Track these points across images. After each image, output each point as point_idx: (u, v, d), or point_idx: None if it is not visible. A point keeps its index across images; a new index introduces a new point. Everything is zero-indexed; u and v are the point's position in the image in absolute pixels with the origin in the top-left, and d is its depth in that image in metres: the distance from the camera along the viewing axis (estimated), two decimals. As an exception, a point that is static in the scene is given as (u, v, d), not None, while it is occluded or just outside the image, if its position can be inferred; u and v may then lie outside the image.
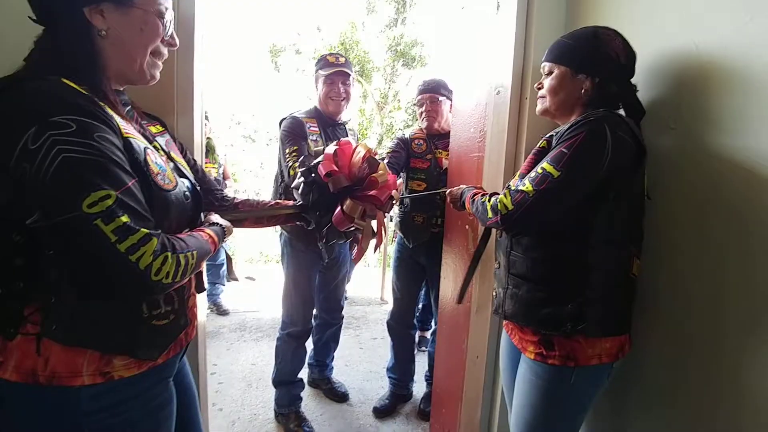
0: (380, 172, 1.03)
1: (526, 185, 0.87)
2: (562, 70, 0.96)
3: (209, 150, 3.11)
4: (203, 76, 1.19)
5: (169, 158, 0.78)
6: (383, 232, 1.12)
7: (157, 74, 0.73)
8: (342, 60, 1.76)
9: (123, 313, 0.64)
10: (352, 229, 1.05)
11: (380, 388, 2.33)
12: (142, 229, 0.55)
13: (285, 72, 11.45)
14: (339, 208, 1.03)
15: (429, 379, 2.14)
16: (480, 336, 1.44)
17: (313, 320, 2.05)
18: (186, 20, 1.04)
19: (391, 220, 2.84)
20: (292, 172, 1.54)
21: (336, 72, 1.71)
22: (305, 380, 2.26)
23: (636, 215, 0.93)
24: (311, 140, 1.68)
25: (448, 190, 1.27)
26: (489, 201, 0.97)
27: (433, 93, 1.85)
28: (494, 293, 1.11)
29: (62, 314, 0.59)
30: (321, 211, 1.05)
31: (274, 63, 11.38)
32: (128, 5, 0.65)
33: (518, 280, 0.99)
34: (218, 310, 3.33)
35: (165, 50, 0.73)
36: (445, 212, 1.76)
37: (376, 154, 1.11)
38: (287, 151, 1.61)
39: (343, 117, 1.89)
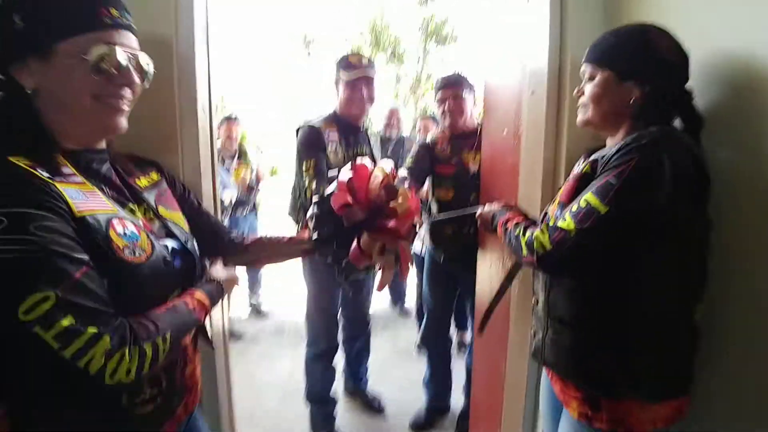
0: (400, 200, 0.91)
1: (567, 221, 0.72)
2: (605, 75, 0.78)
3: (242, 153, 3.13)
4: (212, 103, 1.11)
5: (156, 216, 0.72)
6: (408, 262, 1.01)
7: (119, 119, 0.64)
8: (365, 62, 1.63)
9: (98, 409, 0.59)
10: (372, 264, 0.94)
11: (417, 399, 2.25)
12: (90, 329, 0.49)
13: (317, 61, 11.39)
14: (355, 244, 0.92)
15: (467, 392, 2.03)
16: (519, 363, 1.31)
17: (342, 331, 2.01)
18: (184, 51, 0.96)
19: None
20: (309, 193, 1.46)
21: (359, 78, 1.59)
22: (341, 389, 2.25)
23: (699, 253, 0.76)
24: (330, 151, 1.58)
25: (478, 212, 1.13)
26: (524, 235, 0.82)
27: (455, 88, 1.68)
28: (532, 331, 0.97)
29: (33, 419, 0.55)
30: (337, 246, 0.96)
31: (307, 52, 11.38)
32: (51, 54, 0.57)
33: (559, 325, 0.84)
34: (257, 312, 3.41)
35: (122, 91, 0.64)
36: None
37: (395, 177, 0.99)
38: (304, 166, 1.52)
39: (366, 122, 1.78)
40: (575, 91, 0.88)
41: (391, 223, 0.89)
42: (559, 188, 0.93)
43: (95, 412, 0.59)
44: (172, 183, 0.87)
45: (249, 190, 3.04)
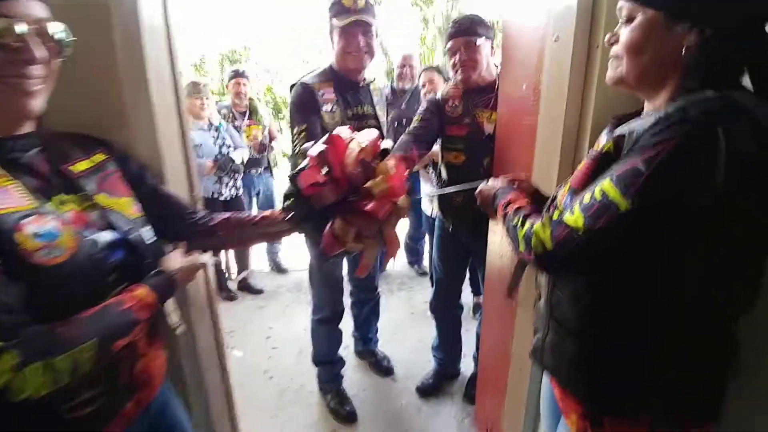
0: (378, 179, 0.78)
1: (576, 216, 0.57)
2: (649, 15, 0.58)
3: (252, 111, 3.00)
4: (176, 68, 0.97)
5: (92, 205, 0.64)
6: (394, 243, 0.90)
7: (28, 101, 0.57)
8: (361, 3, 1.39)
9: (26, 410, 0.55)
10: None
11: (427, 361, 2.24)
12: None
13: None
14: (328, 228, 0.82)
15: (477, 360, 1.99)
16: (525, 339, 1.21)
17: (350, 296, 1.97)
18: (126, 13, 0.80)
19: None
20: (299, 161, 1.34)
21: (354, 22, 1.37)
22: (352, 349, 2.28)
23: (756, 255, 0.58)
24: (326, 111, 1.43)
25: (479, 188, 0.97)
26: (522, 226, 0.68)
27: (468, 36, 1.42)
28: (534, 328, 0.85)
29: None
30: (311, 229, 0.85)
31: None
32: None
33: (562, 329, 0.72)
34: (277, 268, 3.47)
35: (25, 69, 0.54)
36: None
37: (377, 150, 0.85)
38: (295, 131, 1.38)
39: (367, 76, 1.58)
40: (607, 37, 0.67)
41: (368, 206, 0.77)
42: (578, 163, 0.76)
43: (23, 412, 0.55)
44: (123, 163, 0.78)
45: (261, 148, 2.95)
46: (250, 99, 3.01)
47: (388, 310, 2.84)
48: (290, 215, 0.82)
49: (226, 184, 2.65)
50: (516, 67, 1.21)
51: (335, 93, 1.45)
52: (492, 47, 1.47)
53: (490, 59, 1.47)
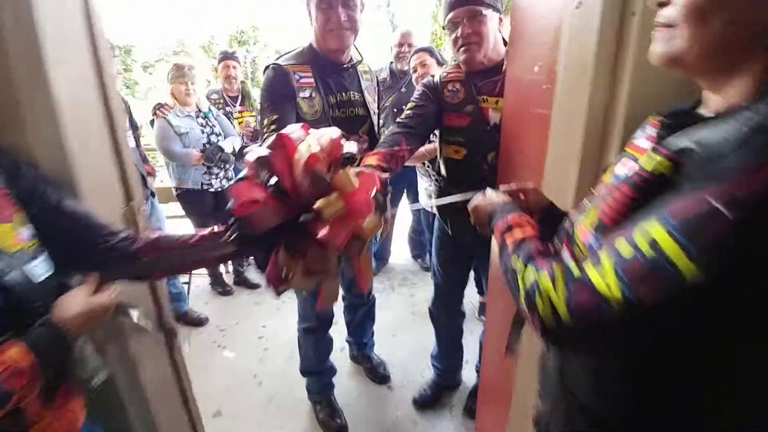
0: (330, 198, 0.59)
1: (608, 278, 0.37)
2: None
3: (245, 96, 2.81)
4: (91, 47, 0.77)
5: None
6: (363, 273, 0.72)
7: None
8: None
9: None
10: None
11: (427, 367, 2.09)
12: None
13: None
14: (273, 257, 0.64)
15: (479, 371, 1.82)
16: (533, 349, 1.03)
17: (342, 300, 1.82)
18: None
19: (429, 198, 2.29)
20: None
21: None
22: (348, 352, 2.14)
23: None
24: (303, 98, 1.23)
25: (472, 201, 0.76)
26: (525, 271, 0.48)
27: (473, 5, 1.18)
28: (538, 390, 0.67)
29: None
30: (258, 255, 0.68)
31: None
32: None
33: (576, 402, 0.53)
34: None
35: None
36: (499, 182, 1.24)
37: (339, 153, 0.66)
38: (265, 121, 1.19)
39: (354, 56, 1.37)
40: (654, -4, 0.46)
41: (321, 232, 0.58)
42: (604, 170, 0.56)
43: None
44: (12, 176, 0.61)
45: (255, 136, 2.76)
46: (243, 83, 2.81)
47: (387, 309, 2.69)
48: (231, 237, 0.64)
49: (216, 175, 2.48)
50: (526, 43, 0.99)
51: (314, 77, 1.24)
52: (500, 20, 1.23)
53: (498, 35, 1.23)
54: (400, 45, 2.45)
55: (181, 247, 0.71)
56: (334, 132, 0.65)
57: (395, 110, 2.43)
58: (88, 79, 0.76)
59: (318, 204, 0.56)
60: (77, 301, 0.60)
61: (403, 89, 2.47)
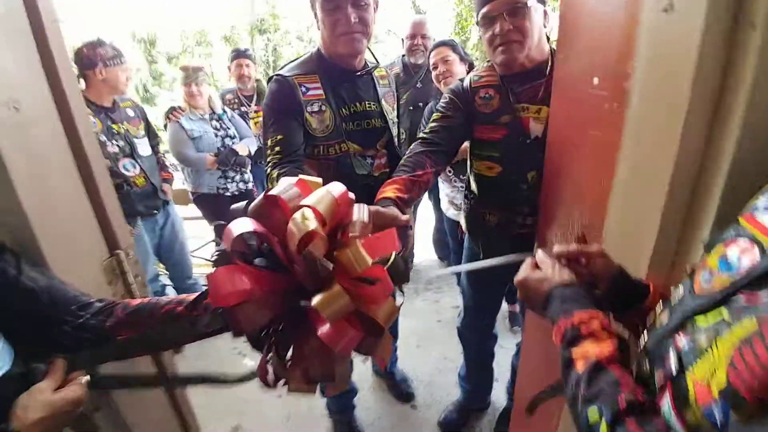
0: (333, 291, 0.45)
1: None
2: None
3: (260, 94, 2.69)
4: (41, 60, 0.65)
5: None
6: (384, 355, 0.59)
7: None
8: None
9: None
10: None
11: (453, 384, 1.97)
12: None
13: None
14: (261, 357, 0.52)
15: (511, 392, 1.68)
16: None
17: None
18: None
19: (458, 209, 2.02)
20: (271, 185, 1.01)
21: None
22: (370, 366, 2.05)
23: None
24: (311, 113, 1.08)
25: (520, 273, 0.60)
26: (594, 409, 0.33)
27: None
28: None
29: None
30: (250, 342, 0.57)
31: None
32: None
33: None
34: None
35: None
36: (541, 207, 1.07)
37: (346, 221, 0.52)
38: (268, 142, 1.05)
39: (369, 60, 1.20)
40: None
41: (322, 329, 0.45)
42: (706, 246, 0.40)
43: None
44: None
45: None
46: (258, 81, 2.69)
47: (411, 316, 2.56)
48: (210, 328, 0.52)
49: (232, 179, 2.40)
50: (583, 47, 0.80)
51: (323, 87, 1.09)
52: (545, 13, 1.02)
53: (542, 30, 1.04)
54: (413, 37, 2.21)
55: (161, 319, 0.59)
56: (337, 189, 0.51)
57: (411, 108, 2.24)
58: (47, 103, 0.64)
59: (315, 302, 0.43)
60: (40, 400, 0.50)
61: (419, 84, 2.26)
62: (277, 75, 1.10)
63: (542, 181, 1.04)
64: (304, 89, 1.07)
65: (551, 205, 1.00)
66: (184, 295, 0.62)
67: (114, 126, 1.85)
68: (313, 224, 0.44)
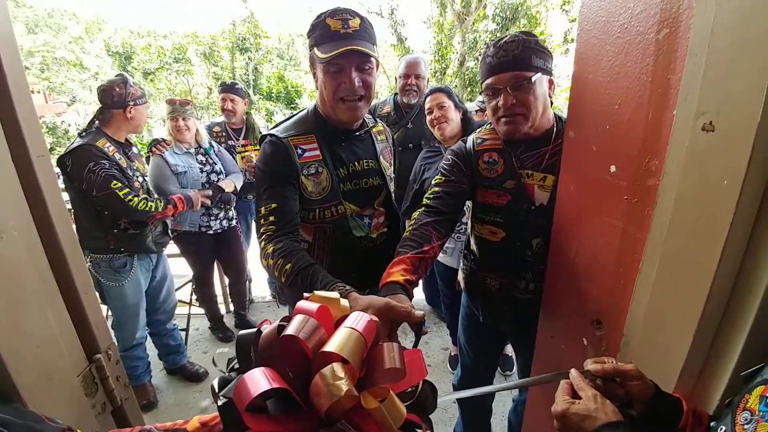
0: None
1: None
2: None
3: (249, 128, 2.61)
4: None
5: None
6: None
7: None
8: (355, 24, 0.93)
9: None
10: None
11: (447, 427, 1.87)
12: None
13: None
14: None
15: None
16: None
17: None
18: None
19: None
20: (265, 262, 0.94)
21: (345, 53, 0.92)
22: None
23: None
24: (307, 175, 1.02)
25: (557, 404, 0.54)
26: None
27: (519, 70, 0.96)
28: None
29: None
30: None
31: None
32: None
33: None
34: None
35: None
36: (548, 278, 1.03)
37: (374, 370, 0.46)
38: (261, 209, 0.98)
39: (367, 118, 1.17)
40: None
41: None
42: (744, 380, 0.38)
43: None
44: None
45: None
46: (247, 114, 2.62)
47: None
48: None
49: (216, 216, 2.29)
50: (596, 131, 0.78)
51: (320, 148, 1.04)
52: (551, 82, 1.02)
53: (547, 100, 1.03)
54: (406, 76, 2.21)
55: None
56: (362, 322, 0.45)
57: (401, 149, 2.21)
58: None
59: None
60: None
61: (410, 125, 2.25)
62: (270, 136, 1.03)
63: (549, 251, 1.01)
64: (300, 151, 1.02)
65: (559, 278, 0.98)
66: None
67: (132, 163, 1.82)
68: (345, 386, 0.38)
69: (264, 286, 3.25)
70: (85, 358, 0.65)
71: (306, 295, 0.55)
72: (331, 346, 0.41)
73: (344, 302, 0.55)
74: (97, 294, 1.53)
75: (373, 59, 0.97)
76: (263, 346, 0.44)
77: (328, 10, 0.95)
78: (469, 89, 9.14)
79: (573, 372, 0.55)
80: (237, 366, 0.55)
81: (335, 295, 0.52)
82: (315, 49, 0.95)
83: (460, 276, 1.32)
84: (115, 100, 1.70)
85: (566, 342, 0.98)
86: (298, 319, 0.44)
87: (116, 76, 1.75)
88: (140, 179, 1.84)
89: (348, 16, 0.93)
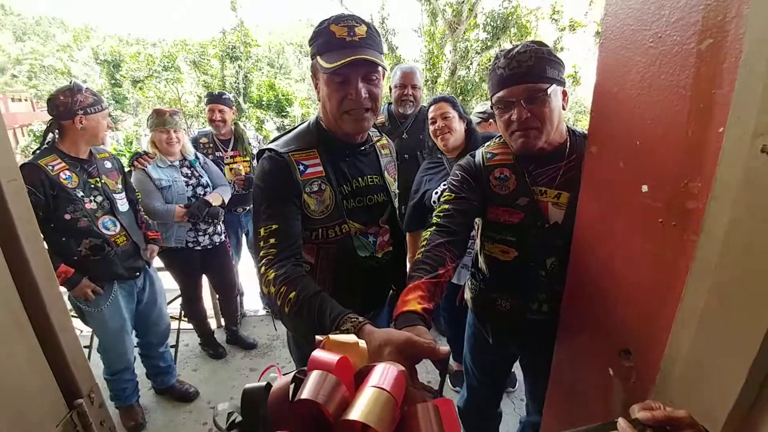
0: None
1: None
2: None
3: (237, 139, 2.52)
4: None
5: None
6: None
7: None
8: (361, 32, 0.86)
9: None
10: None
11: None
12: None
13: None
14: None
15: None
16: None
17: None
18: None
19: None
20: (266, 289, 0.86)
21: (350, 63, 0.85)
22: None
23: None
24: (310, 193, 0.95)
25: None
26: None
27: (532, 82, 0.91)
28: None
29: None
30: None
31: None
32: None
33: None
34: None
35: None
36: (567, 299, 0.97)
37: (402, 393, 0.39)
38: (261, 231, 0.90)
39: (371, 133, 1.10)
40: None
41: None
42: None
43: None
44: None
45: (247, 184, 2.47)
46: (236, 124, 2.54)
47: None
48: None
49: (204, 231, 2.19)
50: (624, 146, 0.73)
51: (323, 163, 0.97)
52: (564, 93, 0.97)
53: (561, 113, 0.98)
54: (403, 87, 2.14)
55: None
56: (389, 378, 0.38)
57: (397, 162, 2.15)
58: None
59: None
60: None
61: (405, 135, 2.20)
62: (270, 150, 0.95)
63: (567, 272, 0.95)
64: (302, 167, 0.94)
65: (579, 301, 0.92)
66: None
67: (91, 180, 1.63)
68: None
69: (256, 300, 3.14)
70: (65, 404, 0.56)
71: (318, 338, 0.48)
72: (357, 412, 0.34)
73: (362, 344, 0.49)
74: (75, 321, 1.37)
75: (380, 68, 0.91)
76: (274, 406, 0.37)
77: (332, 17, 0.88)
78: (460, 98, 9.21)
79: (621, 422, 0.48)
80: (238, 420, 0.48)
81: (352, 338, 0.45)
82: (318, 58, 0.88)
83: (468, 295, 1.26)
84: (61, 110, 1.53)
85: (587, 370, 0.92)
86: (314, 376, 0.37)
87: (70, 83, 1.58)
88: (99, 198, 1.64)
89: (354, 23, 0.86)
